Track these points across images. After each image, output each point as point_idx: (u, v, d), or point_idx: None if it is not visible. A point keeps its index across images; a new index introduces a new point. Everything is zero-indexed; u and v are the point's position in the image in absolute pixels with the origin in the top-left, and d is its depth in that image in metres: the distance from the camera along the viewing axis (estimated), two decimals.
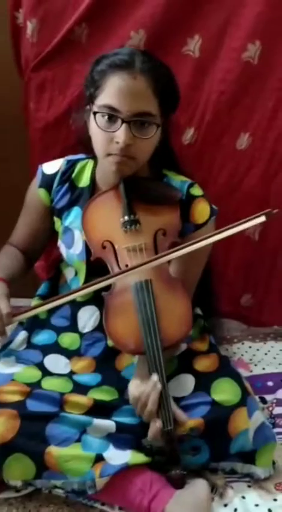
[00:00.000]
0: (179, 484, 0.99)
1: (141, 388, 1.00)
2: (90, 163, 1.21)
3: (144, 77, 1.01)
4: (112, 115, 1.01)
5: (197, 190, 1.17)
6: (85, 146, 1.15)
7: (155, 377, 0.99)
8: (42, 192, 1.21)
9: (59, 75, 1.30)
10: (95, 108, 1.04)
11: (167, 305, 1.04)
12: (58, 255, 1.35)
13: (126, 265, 1.05)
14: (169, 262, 1.13)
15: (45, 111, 1.33)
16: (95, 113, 1.03)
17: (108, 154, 1.04)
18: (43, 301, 1.07)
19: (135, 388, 1.03)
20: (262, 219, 0.98)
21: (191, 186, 1.17)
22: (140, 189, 1.10)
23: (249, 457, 1.07)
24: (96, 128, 1.04)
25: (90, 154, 1.18)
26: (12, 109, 1.41)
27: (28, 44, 1.29)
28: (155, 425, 0.97)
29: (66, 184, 1.20)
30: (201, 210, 1.15)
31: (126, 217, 1.08)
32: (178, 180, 1.18)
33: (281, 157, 1.39)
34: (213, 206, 1.17)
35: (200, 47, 1.29)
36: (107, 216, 1.10)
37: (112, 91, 1.01)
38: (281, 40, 1.29)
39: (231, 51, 1.29)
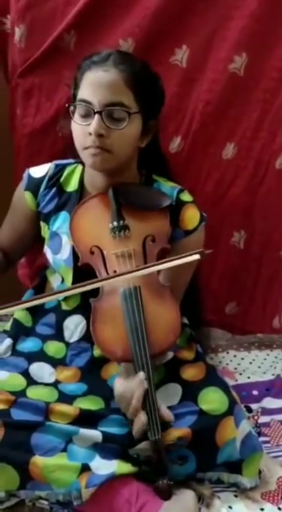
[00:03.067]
0: (166, 494, 0.98)
1: (127, 384, 0.99)
2: (78, 168, 1.20)
3: (116, 69, 1.02)
4: (86, 109, 1.02)
5: (186, 196, 1.17)
6: (73, 151, 1.14)
7: (141, 375, 0.98)
8: (27, 195, 1.20)
9: (47, 81, 1.30)
10: (72, 106, 1.05)
11: (155, 312, 1.03)
12: (43, 262, 1.34)
13: (115, 271, 1.05)
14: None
15: (32, 118, 1.32)
16: (69, 107, 1.04)
17: (85, 148, 1.05)
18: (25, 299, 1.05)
19: (120, 385, 1.02)
20: (196, 257, 0.99)
21: (180, 191, 1.17)
22: (130, 194, 1.10)
23: (235, 466, 1.06)
24: (74, 124, 1.05)
25: (79, 159, 1.17)
26: None
27: (16, 50, 1.28)
28: (140, 419, 0.96)
29: (54, 189, 1.19)
30: (191, 216, 1.15)
31: (115, 223, 1.07)
32: (168, 186, 1.18)
33: (266, 167, 1.41)
34: (203, 213, 1.17)
35: (188, 58, 1.30)
36: (96, 221, 1.10)
37: (86, 86, 1.03)
38: (266, 52, 1.32)
39: (217, 62, 1.31)
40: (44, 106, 1.32)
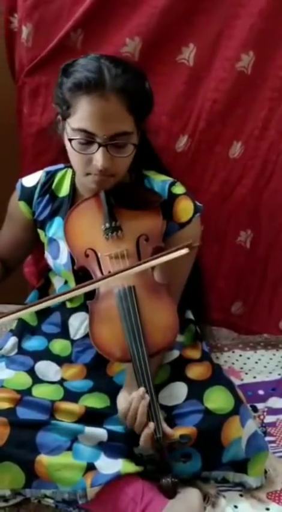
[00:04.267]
0: (170, 492, 0.98)
1: (129, 401, 0.98)
2: (69, 172, 1.20)
3: (116, 97, 0.98)
4: (88, 138, 1.00)
5: (178, 189, 1.16)
6: (65, 155, 1.14)
7: (141, 390, 0.97)
8: (22, 205, 1.20)
9: (54, 80, 1.27)
10: (68, 130, 1.02)
11: (152, 312, 1.03)
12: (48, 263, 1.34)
13: (109, 272, 1.04)
14: (152, 268, 1.12)
15: (39, 116, 1.33)
16: (70, 140, 1.02)
17: (88, 174, 1.04)
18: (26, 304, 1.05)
19: (123, 401, 1.01)
20: (185, 251, 0.99)
21: (172, 184, 1.16)
22: (121, 195, 1.09)
23: (241, 466, 1.06)
24: (72, 151, 1.03)
25: (69, 163, 1.16)
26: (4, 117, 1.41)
27: (23, 49, 1.28)
28: (149, 428, 0.95)
29: (47, 196, 1.19)
30: (184, 208, 1.14)
31: (107, 225, 1.07)
32: (159, 180, 1.17)
33: (272, 166, 1.40)
34: (198, 203, 1.16)
35: (195, 56, 1.30)
36: (89, 224, 1.09)
37: (85, 115, 0.98)
38: (274, 51, 1.31)
39: (225, 61, 1.30)
40: (51, 105, 1.32)
